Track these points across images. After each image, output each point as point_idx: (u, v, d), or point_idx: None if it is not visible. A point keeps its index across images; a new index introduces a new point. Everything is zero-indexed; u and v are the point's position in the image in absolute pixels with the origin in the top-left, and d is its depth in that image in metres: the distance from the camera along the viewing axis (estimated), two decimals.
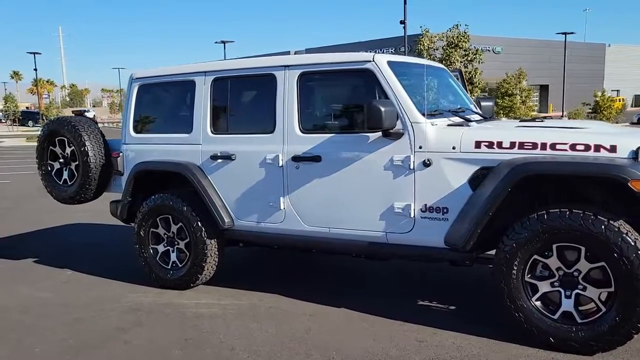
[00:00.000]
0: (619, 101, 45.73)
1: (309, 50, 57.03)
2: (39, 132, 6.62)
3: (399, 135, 4.48)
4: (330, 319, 4.82)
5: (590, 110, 34.77)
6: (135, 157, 5.88)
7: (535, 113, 37.98)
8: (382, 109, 4.30)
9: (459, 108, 5.14)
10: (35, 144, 6.64)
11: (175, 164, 5.53)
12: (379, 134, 4.53)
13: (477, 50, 27.50)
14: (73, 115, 6.41)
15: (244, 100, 5.61)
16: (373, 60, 4.62)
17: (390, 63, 4.65)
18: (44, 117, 40.88)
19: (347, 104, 5.02)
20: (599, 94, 33.94)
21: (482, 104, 5.67)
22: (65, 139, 6.34)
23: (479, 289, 5.37)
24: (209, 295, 5.52)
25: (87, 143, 6.14)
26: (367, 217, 4.70)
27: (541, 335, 3.99)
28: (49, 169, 6.55)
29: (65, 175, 6.45)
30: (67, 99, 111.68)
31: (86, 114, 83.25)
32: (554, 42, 53.05)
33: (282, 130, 5.01)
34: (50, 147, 6.49)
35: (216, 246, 5.53)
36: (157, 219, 5.74)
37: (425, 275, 5.92)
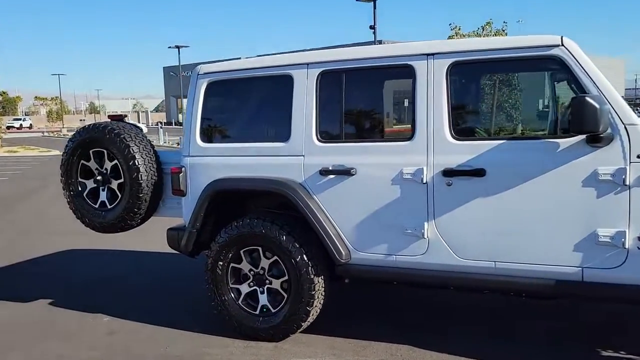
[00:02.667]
0: None
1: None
2: (65, 144, 5.25)
3: (608, 141, 3.45)
4: None
5: None
6: (206, 172, 4.62)
7: None
8: (598, 106, 3.28)
9: None
10: (60, 157, 5.25)
11: (272, 181, 4.31)
12: (575, 140, 3.50)
13: None
14: (111, 121, 5.09)
15: (365, 98, 4.46)
16: (562, 45, 3.58)
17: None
18: None
19: (522, 101, 3.95)
20: None
21: None
22: (105, 151, 5.01)
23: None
24: (318, 350, 4.32)
25: (137, 156, 4.83)
26: (554, 249, 3.65)
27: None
28: (80, 189, 5.17)
29: (103, 196, 5.10)
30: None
31: (23, 122, 78.57)
32: None
33: (425, 137, 3.90)
34: (83, 161, 5.13)
35: (324, 285, 4.34)
36: (241, 252, 4.50)
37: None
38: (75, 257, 7.69)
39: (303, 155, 4.27)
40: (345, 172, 4.12)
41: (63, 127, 73.01)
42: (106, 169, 5.05)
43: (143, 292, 5.96)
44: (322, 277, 4.31)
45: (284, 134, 4.38)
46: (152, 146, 5.04)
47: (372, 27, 27.57)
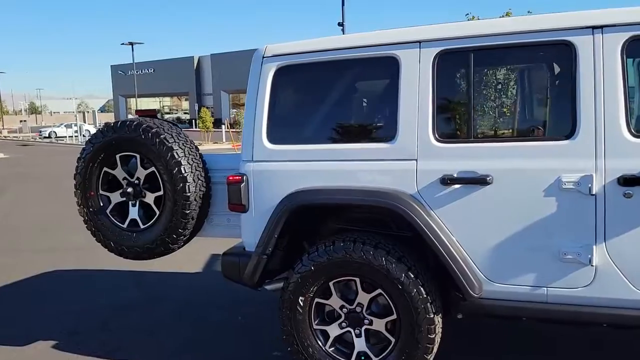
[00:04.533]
0: None
1: (214, 56, 54.40)
2: (82, 148, 4.11)
3: None
4: None
5: None
6: (278, 182, 3.62)
7: None
8: None
9: None
10: (75, 164, 4.11)
11: (379, 194, 3.34)
12: None
13: None
14: (142, 117, 3.98)
15: (502, 84, 3.53)
16: None
17: None
18: None
19: None
20: None
21: None
22: (138, 156, 3.92)
23: None
24: None
25: (182, 162, 3.77)
26: None
27: None
28: (102, 204, 4.06)
29: (133, 213, 4.00)
30: None
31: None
32: None
33: (593, 134, 3.01)
34: (106, 168, 4.02)
35: (441, 325, 3.40)
36: (331, 284, 3.50)
37: None
38: (65, 280, 6.47)
39: (415, 159, 3.32)
40: (477, 181, 3.19)
41: (3, 129, 69.34)
42: (138, 179, 3.96)
43: (175, 328, 4.85)
44: (441, 315, 3.38)
45: (387, 133, 3.42)
46: (197, 149, 3.99)
47: (341, 24, 26.75)
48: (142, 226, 3.97)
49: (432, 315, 3.28)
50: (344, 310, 3.52)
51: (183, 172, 3.75)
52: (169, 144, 3.77)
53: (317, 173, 3.53)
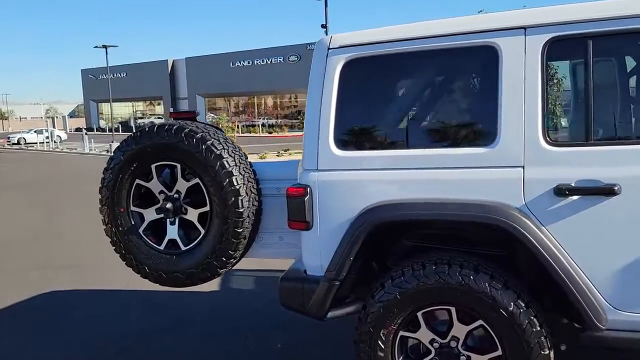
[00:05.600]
0: None
1: (189, 60, 53.43)
2: (110, 157, 3.51)
3: None
4: None
5: None
6: (351, 194, 3.08)
7: None
8: None
9: None
10: (101, 176, 3.50)
11: (480, 207, 2.82)
12: None
13: None
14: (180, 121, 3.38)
15: (633, 76, 3.03)
16: None
17: None
18: None
19: None
20: None
21: None
22: (178, 166, 3.34)
23: None
24: None
25: (234, 172, 3.21)
26: None
27: None
28: (134, 222, 3.47)
29: (172, 232, 3.42)
30: None
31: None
32: None
33: None
34: (138, 180, 3.43)
35: None
36: (419, 314, 2.97)
37: None
38: (66, 302, 5.81)
39: (522, 166, 2.81)
40: (601, 192, 2.70)
41: None
42: (178, 192, 3.38)
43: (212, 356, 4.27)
44: (553, 350, 2.87)
45: (485, 135, 2.92)
46: (247, 156, 3.43)
47: (324, 26, 26.27)
48: (183, 248, 3.39)
49: (547, 351, 2.78)
50: (435, 344, 2.99)
51: (235, 184, 3.18)
52: (218, 152, 3.20)
53: (398, 184, 3.01)
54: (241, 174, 3.24)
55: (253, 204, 3.29)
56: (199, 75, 51.51)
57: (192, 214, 3.36)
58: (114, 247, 3.53)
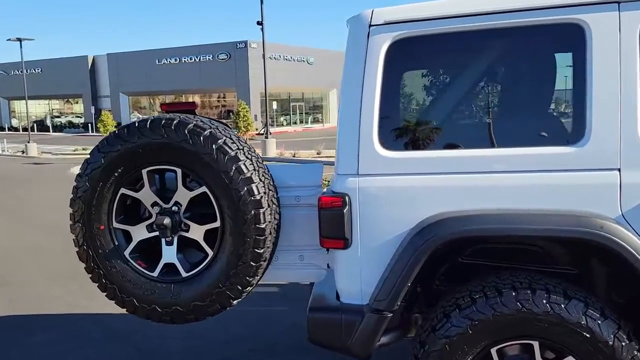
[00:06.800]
0: None
1: (111, 56, 51.06)
2: (85, 160, 2.74)
3: None
4: None
5: None
6: (403, 203, 2.51)
7: None
8: None
9: None
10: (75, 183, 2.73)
11: (570, 219, 2.31)
12: None
13: None
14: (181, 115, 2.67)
15: None
16: None
17: None
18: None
19: None
20: None
21: None
22: (179, 171, 2.64)
23: None
24: None
25: (254, 178, 2.55)
26: None
27: None
28: (118, 242, 2.73)
29: (170, 254, 2.71)
30: None
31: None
32: None
33: None
34: (124, 189, 2.70)
35: None
36: (493, 350, 2.43)
37: None
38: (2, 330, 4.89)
39: (618, 169, 2.32)
40: None
41: None
42: (178, 204, 2.67)
43: None
44: None
45: (572, 131, 2.42)
46: (262, 159, 2.77)
47: (260, 23, 25.43)
48: (184, 274, 2.69)
49: None
50: None
51: (255, 193, 2.53)
52: (233, 153, 2.53)
53: (463, 191, 2.45)
54: (261, 181, 2.59)
55: (275, 218, 2.65)
56: (122, 72, 49.16)
57: (196, 232, 2.67)
58: (90, 275, 2.78)
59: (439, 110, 2.66)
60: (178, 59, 45.70)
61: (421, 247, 2.41)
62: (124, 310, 2.81)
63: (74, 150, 28.37)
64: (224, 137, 2.56)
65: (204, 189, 2.60)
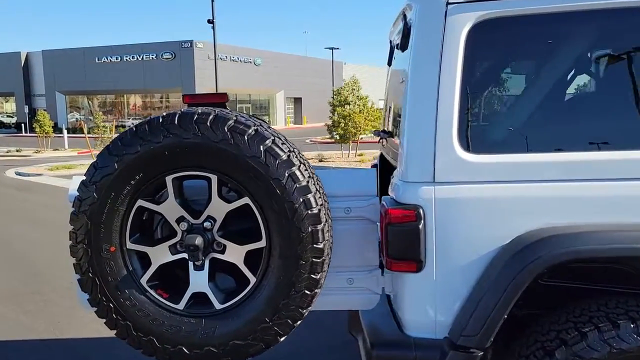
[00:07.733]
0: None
1: (46, 53, 48.73)
2: (92, 165, 2.17)
3: None
4: None
5: None
6: (494, 217, 2.08)
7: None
8: None
9: None
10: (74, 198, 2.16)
11: None
12: None
13: None
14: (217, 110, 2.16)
15: None
16: None
17: None
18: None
19: None
20: None
21: None
22: (214, 178, 2.11)
23: None
24: None
25: (310, 187, 2.06)
26: None
27: None
28: (133, 267, 2.18)
29: (199, 281, 2.18)
30: None
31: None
32: (306, 58, 55.82)
33: None
34: (142, 201, 2.15)
35: None
36: None
37: None
38: None
39: None
40: None
41: None
42: (211, 219, 2.14)
43: None
44: None
45: None
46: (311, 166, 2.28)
47: (211, 22, 24.71)
48: (218, 306, 2.16)
49: None
50: None
51: (313, 205, 2.04)
52: (284, 156, 2.04)
53: (575, 202, 2.05)
54: (318, 191, 2.10)
55: (331, 235, 2.17)
56: (58, 70, 46.87)
57: (234, 253, 2.15)
58: (95, 308, 2.21)
59: (534, 105, 2.24)
60: (119, 58, 44.04)
61: (523, 271, 1.98)
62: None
63: (7, 152, 26.70)
64: (272, 137, 2.07)
65: (246, 199, 2.09)
